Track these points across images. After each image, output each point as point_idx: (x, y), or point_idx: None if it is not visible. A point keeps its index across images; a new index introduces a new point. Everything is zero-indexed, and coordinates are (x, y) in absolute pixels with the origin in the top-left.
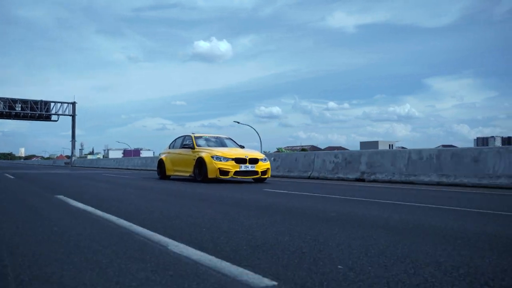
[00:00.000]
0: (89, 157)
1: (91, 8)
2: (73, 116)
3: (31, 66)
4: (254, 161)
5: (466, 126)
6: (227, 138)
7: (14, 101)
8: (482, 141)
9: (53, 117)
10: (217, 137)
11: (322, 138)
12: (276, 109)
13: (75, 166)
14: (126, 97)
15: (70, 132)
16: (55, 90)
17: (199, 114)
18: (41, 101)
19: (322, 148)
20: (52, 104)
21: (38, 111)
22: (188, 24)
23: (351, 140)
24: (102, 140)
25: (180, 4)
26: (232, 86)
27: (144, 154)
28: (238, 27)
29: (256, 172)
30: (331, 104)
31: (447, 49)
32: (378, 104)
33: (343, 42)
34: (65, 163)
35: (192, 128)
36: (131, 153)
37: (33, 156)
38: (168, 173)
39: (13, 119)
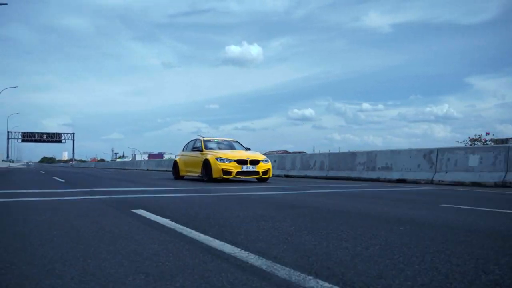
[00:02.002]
0: (118, 160)
1: (127, 16)
2: (73, 140)
3: (70, 73)
4: (255, 162)
5: (509, 126)
6: (234, 141)
7: (42, 133)
8: (501, 142)
9: (63, 141)
10: (225, 140)
11: (357, 140)
12: (309, 111)
13: (74, 167)
14: (161, 101)
15: (108, 137)
16: (92, 96)
17: (232, 117)
18: (56, 133)
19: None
20: (62, 134)
21: (55, 138)
22: (221, 28)
23: (387, 142)
24: (138, 143)
25: (213, 9)
26: (264, 89)
27: (166, 157)
28: (270, 30)
29: (257, 172)
30: (365, 105)
31: (486, 46)
32: (414, 105)
33: (376, 42)
34: (70, 165)
35: (226, 131)
36: (155, 157)
37: (72, 159)
38: (181, 173)
39: (41, 142)
